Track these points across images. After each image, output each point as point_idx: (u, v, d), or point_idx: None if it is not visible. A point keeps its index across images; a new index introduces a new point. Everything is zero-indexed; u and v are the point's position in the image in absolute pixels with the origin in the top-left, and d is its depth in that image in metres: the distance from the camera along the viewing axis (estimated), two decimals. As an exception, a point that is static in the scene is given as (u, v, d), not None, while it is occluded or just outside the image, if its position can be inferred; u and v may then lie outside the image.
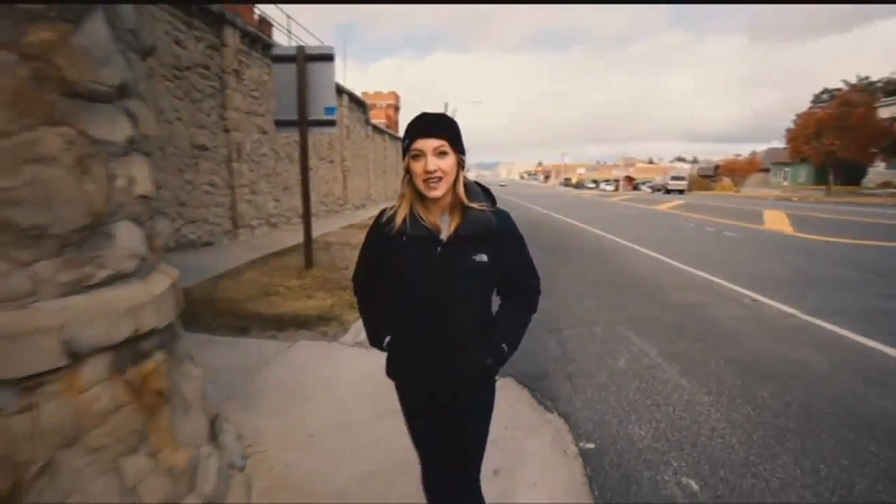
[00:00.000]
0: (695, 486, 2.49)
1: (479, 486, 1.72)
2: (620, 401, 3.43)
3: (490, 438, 2.87)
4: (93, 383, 1.67)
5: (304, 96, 6.97)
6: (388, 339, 1.67)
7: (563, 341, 4.63)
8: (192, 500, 1.99)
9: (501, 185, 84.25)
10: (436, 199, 1.46)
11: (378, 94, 60.79)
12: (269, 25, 19.37)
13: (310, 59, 7.05)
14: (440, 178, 1.41)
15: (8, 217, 1.45)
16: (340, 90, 19.09)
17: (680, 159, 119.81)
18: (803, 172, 46.44)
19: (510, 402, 3.43)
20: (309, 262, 7.53)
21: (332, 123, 7.27)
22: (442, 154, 1.41)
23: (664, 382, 3.70)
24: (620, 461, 2.73)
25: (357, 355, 4.28)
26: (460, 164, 1.47)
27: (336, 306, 5.52)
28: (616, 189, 67.98)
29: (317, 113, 7.13)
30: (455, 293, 1.51)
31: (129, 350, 1.81)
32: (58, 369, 1.56)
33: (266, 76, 12.73)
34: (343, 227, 14.16)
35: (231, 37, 10.92)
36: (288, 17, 15.56)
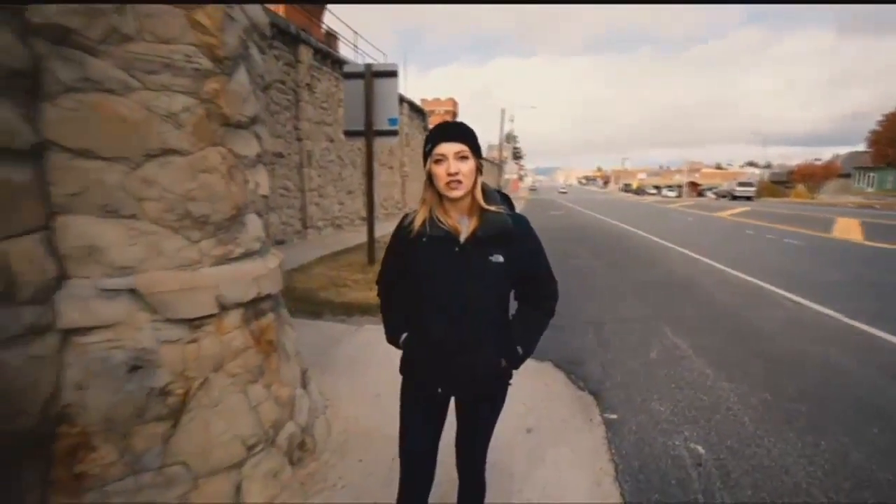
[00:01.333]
0: (701, 450, 2.88)
1: (483, 474, 1.90)
2: (647, 384, 3.83)
3: (525, 406, 3.40)
4: (232, 328, 2.34)
5: (370, 109, 7.72)
6: (404, 336, 1.76)
7: (601, 334, 5.03)
8: (292, 426, 2.63)
9: (562, 192, 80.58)
10: (455, 202, 1.54)
11: (436, 101, 62.12)
12: (336, 39, 20.67)
13: (376, 75, 7.80)
14: (461, 181, 1.49)
15: (188, 209, 2.14)
16: (401, 99, 20.04)
17: (751, 164, 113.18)
18: (891, 178, 43.05)
19: (546, 381, 3.91)
20: (371, 259, 8.26)
21: (394, 133, 7.99)
22: (462, 158, 1.49)
23: (690, 370, 4.05)
24: (638, 429, 3.15)
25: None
26: (479, 169, 1.55)
27: (395, 297, 6.17)
28: (679, 195, 65.64)
29: (381, 123, 7.86)
30: (472, 292, 1.56)
31: (253, 308, 2.48)
32: (212, 315, 2.24)
33: (334, 88, 13.76)
34: (401, 229, 14.95)
35: (305, 54, 11.97)
36: (355, 32, 16.65)
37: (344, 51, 17.86)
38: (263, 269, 2.50)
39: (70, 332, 2.00)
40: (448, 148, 1.48)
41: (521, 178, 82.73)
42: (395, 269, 1.74)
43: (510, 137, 64.43)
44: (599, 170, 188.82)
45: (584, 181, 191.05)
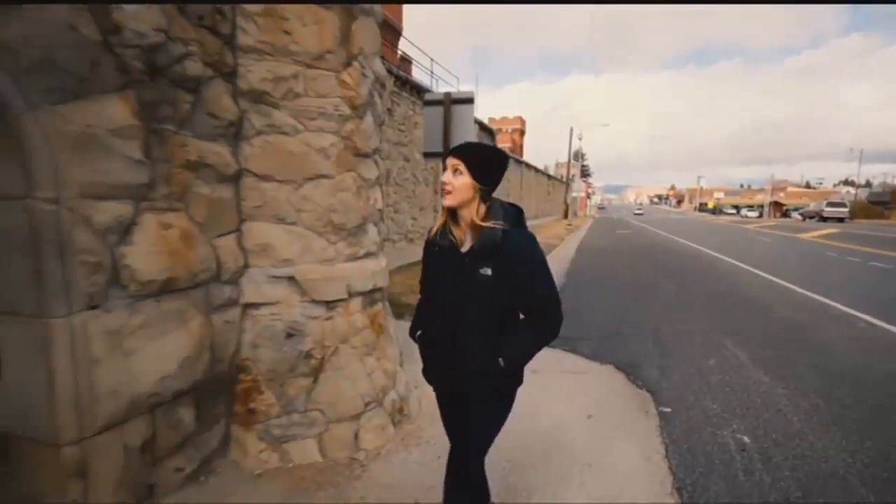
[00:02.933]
0: (746, 440, 3.23)
1: (481, 474, 1.89)
2: (701, 386, 4.15)
3: (587, 398, 3.85)
4: (355, 312, 3.04)
5: (448, 133, 8.48)
6: (419, 332, 1.92)
7: (661, 343, 5.35)
8: (394, 394, 3.28)
9: (638, 213, 72.19)
10: (462, 216, 1.69)
11: (504, 119, 62.88)
12: (409, 63, 21.93)
13: (454, 102, 8.56)
14: (450, 191, 1.64)
15: (330, 218, 2.86)
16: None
17: (848, 183, 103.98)
18: None
19: (608, 380, 4.33)
20: (444, 270, 8.96)
21: (469, 154, 8.69)
22: (456, 172, 1.64)
23: (746, 377, 4.32)
24: (689, 420, 3.53)
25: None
26: (478, 190, 1.65)
27: (468, 304, 6.78)
28: (760, 215, 61.94)
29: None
30: (464, 300, 1.69)
31: (369, 297, 3.17)
32: (342, 300, 2.94)
33: (411, 112, 14.79)
34: (469, 244, 15.63)
35: (388, 82, 13.06)
36: (431, 59, 17.72)
37: (416, 73, 19.06)
38: (378, 267, 3.20)
39: (248, 306, 2.77)
40: (448, 161, 1.68)
41: (588, 196, 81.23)
42: (422, 273, 1.94)
43: (578, 155, 63.83)
44: (672, 188, 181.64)
45: (655, 200, 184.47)
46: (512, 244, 1.64)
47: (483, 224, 1.64)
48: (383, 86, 3.37)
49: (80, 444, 1.95)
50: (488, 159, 1.68)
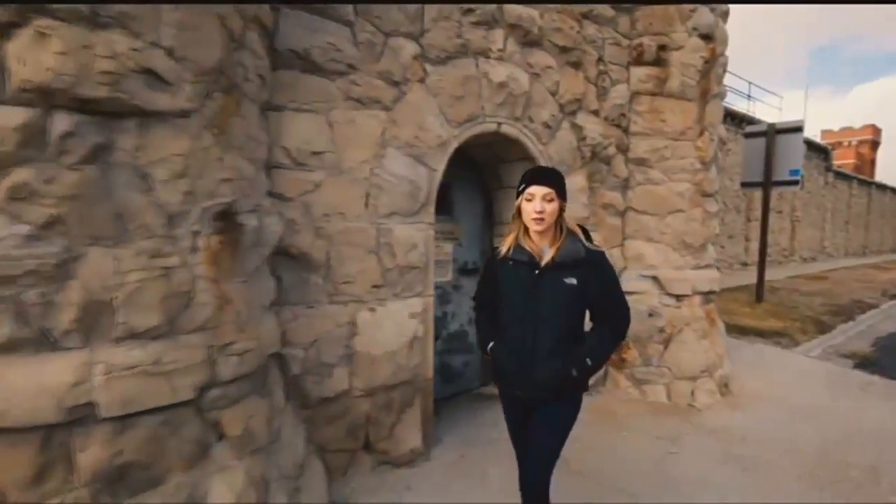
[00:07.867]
0: None
1: (548, 482, 1.90)
2: None
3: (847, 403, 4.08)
4: (696, 305, 4.28)
5: (770, 163, 8.67)
6: (491, 344, 1.97)
7: None
8: (721, 371, 4.35)
9: None
10: (539, 233, 1.80)
11: (846, 131, 51.28)
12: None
13: (779, 132, 8.70)
14: (544, 219, 1.75)
15: (683, 240, 4.22)
16: (797, 140, 18.76)
17: None
18: None
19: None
20: (759, 298, 9.04)
21: (795, 183, 8.65)
22: (549, 200, 1.75)
23: None
24: None
25: (802, 359, 5.85)
26: (562, 209, 1.80)
27: (788, 328, 7.02)
28: None
29: (781, 175, 8.65)
30: (545, 310, 1.80)
31: (706, 297, 4.37)
32: (688, 295, 4.24)
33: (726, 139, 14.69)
34: (789, 277, 14.31)
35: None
36: (749, 83, 16.97)
37: (731, 97, 18.32)
38: (713, 276, 4.39)
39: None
40: (538, 190, 1.76)
41: None
42: (486, 290, 2.03)
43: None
44: None
45: None
46: (594, 257, 1.83)
47: (566, 240, 1.81)
48: (724, 143, 4.56)
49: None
50: (563, 179, 1.87)
